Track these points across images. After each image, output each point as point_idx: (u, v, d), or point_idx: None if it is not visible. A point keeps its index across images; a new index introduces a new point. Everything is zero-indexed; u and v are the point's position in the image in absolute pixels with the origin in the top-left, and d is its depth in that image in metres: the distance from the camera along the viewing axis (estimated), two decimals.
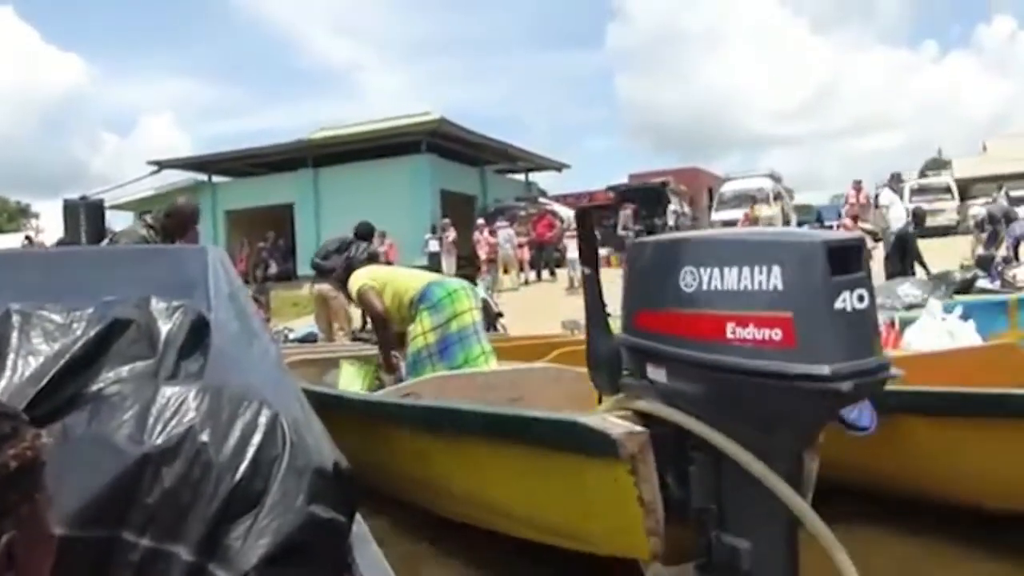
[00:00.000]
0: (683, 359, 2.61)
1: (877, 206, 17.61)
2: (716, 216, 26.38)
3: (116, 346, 1.77)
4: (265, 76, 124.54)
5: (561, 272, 21.50)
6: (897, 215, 16.08)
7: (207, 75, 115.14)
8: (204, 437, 1.55)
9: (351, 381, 5.69)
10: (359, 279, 5.72)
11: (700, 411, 2.62)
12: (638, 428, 2.80)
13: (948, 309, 6.39)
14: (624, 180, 34.50)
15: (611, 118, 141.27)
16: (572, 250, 20.79)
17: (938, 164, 43.77)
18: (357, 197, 30.45)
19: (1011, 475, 3.40)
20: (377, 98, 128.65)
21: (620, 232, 23.55)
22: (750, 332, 2.44)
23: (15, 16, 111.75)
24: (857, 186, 22.05)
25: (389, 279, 5.67)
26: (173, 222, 6.44)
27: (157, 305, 1.86)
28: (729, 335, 2.47)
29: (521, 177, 39.40)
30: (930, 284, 9.30)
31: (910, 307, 7.29)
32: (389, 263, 23.44)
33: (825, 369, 2.28)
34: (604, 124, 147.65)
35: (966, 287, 10.61)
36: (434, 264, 25.91)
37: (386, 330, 5.67)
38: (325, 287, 10.40)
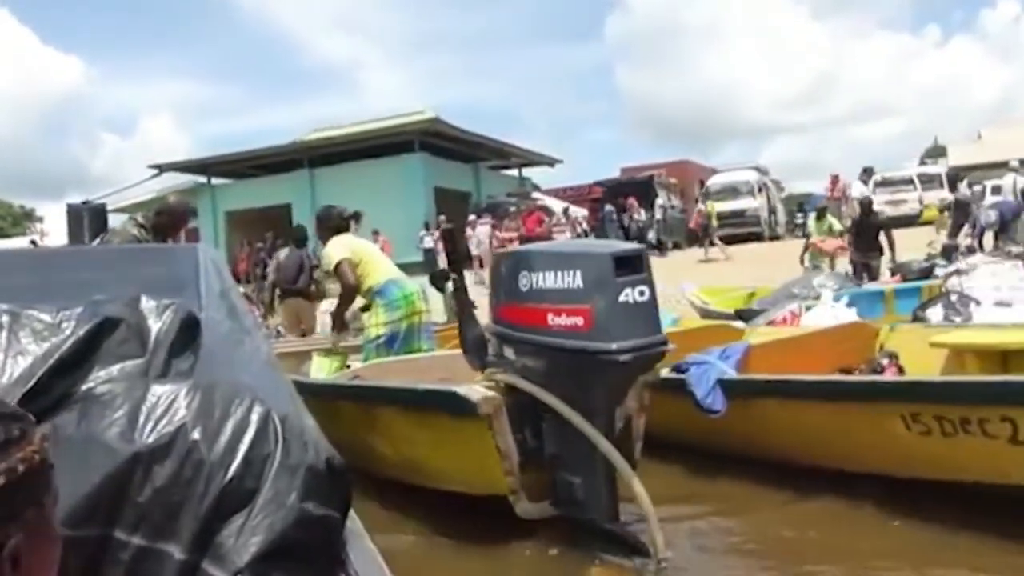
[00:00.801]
0: (524, 341, 3.71)
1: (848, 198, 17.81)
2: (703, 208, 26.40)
3: (106, 345, 1.71)
4: (265, 75, 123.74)
5: None
6: None
7: (206, 75, 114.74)
8: (195, 435, 1.50)
9: (320, 369, 6.12)
10: (339, 251, 6.01)
11: (541, 380, 3.65)
12: (492, 394, 3.64)
13: (837, 298, 7.53)
14: (616, 174, 34.66)
15: (611, 111, 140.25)
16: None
17: (937, 152, 43.67)
18: (352, 196, 30.28)
19: (848, 443, 4.13)
20: (377, 95, 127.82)
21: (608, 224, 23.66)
22: (563, 320, 3.49)
23: (12, 18, 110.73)
24: (834, 179, 22.43)
25: (363, 257, 6.04)
26: (164, 221, 6.27)
27: (147, 304, 1.80)
28: (550, 322, 3.54)
29: (515, 173, 39.31)
30: (841, 277, 10.15)
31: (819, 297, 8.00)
32: None
33: (613, 346, 3.34)
34: (605, 117, 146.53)
35: (925, 275, 10.95)
36: (429, 259, 25.92)
37: (351, 301, 6.22)
38: (300, 304, 11.39)
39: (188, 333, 1.79)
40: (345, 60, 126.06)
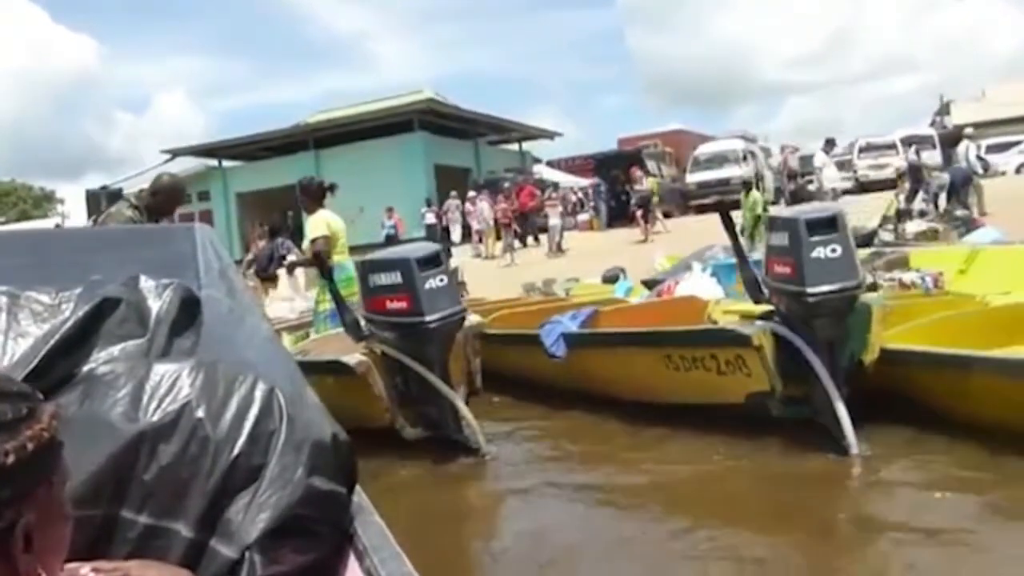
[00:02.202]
0: (378, 321, 5.05)
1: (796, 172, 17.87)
2: (691, 178, 26.20)
3: (106, 325, 1.63)
4: (275, 48, 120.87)
5: (544, 239, 21.45)
6: (830, 175, 16.41)
7: (217, 50, 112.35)
8: (200, 413, 1.44)
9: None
10: (320, 228, 6.52)
11: (395, 345, 5.00)
12: (364, 358, 4.89)
13: (703, 270, 8.60)
14: (613, 146, 34.48)
15: (625, 75, 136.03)
16: (553, 217, 20.83)
17: (944, 111, 43.03)
18: (356, 176, 30.26)
19: (640, 382, 5.31)
20: (388, 66, 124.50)
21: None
22: (395, 305, 4.88)
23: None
24: (792, 150, 22.60)
25: (333, 234, 6.53)
26: (160, 200, 5.75)
27: (146, 283, 1.72)
28: (388, 307, 4.92)
29: (515, 147, 38.88)
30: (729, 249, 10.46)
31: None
32: (395, 236, 23.49)
33: (426, 318, 4.75)
34: (616, 82, 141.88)
35: (867, 241, 10.88)
36: (431, 235, 25.82)
37: (311, 265, 6.93)
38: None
39: (189, 312, 1.70)
40: (354, 31, 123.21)
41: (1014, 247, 8.61)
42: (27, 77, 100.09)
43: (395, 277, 4.86)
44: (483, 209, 22.32)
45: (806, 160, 22.25)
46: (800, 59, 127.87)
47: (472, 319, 5.60)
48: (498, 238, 22.11)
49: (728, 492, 4.01)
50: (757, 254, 9.77)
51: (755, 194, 15.65)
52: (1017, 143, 27.64)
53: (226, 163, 35.61)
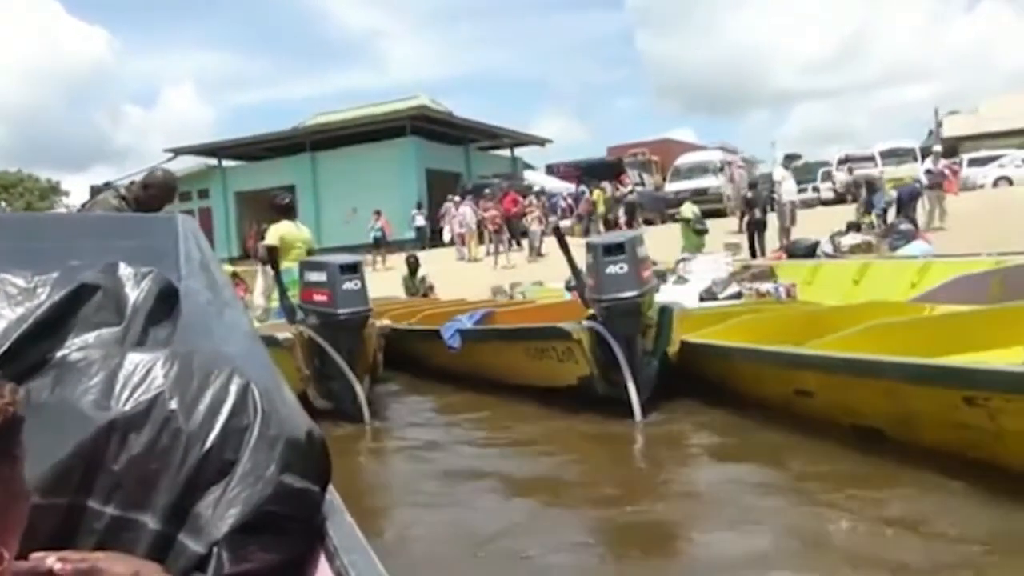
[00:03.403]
0: (308, 310, 6.20)
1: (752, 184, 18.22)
2: (670, 187, 26.26)
3: (82, 312, 1.54)
4: (286, 45, 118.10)
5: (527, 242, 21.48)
6: (788, 188, 16.65)
7: (228, 45, 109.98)
8: (173, 404, 1.35)
9: None
10: (273, 238, 7.49)
11: (319, 330, 6.08)
12: (291, 336, 6.03)
13: None
14: (603, 153, 34.66)
15: (636, 78, 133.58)
16: (533, 223, 21.01)
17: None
18: (350, 179, 30.28)
19: (511, 368, 6.43)
20: (399, 65, 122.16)
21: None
22: (319, 298, 6.02)
23: None
24: (740, 163, 22.79)
25: (286, 245, 7.40)
26: (151, 194, 5.53)
27: (125, 271, 1.63)
28: (315, 299, 6.08)
29: (506, 153, 38.72)
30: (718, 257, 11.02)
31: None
32: (382, 238, 23.43)
33: (339, 311, 5.90)
34: (630, 85, 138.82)
35: (810, 252, 11.69)
36: (420, 236, 25.76)
37: (272, 264, 7.44)
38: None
39: (166, 302, 1.61)
40: (367, 30, 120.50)
41: (847, 262, 9.79)
42: (40, 70, 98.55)
43: (322, 276, 6.04)
44: (466, 213, 22.37)
45: (764, 176, 22.21)
46: (812, 65, 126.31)
47: (380, 322, 6.86)
48: (480, 241, 22.04)
49: (552, 445, 5.17)
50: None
51: (688, 206, 16.16)
52: (997, 158, 27.54)
53: (226, 162, 35.38)
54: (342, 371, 5.95)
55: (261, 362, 1.63)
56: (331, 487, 1.48)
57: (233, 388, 1.39)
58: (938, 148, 19.16)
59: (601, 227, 22.40)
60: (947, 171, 16.71)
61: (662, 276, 9.31)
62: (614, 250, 5.29)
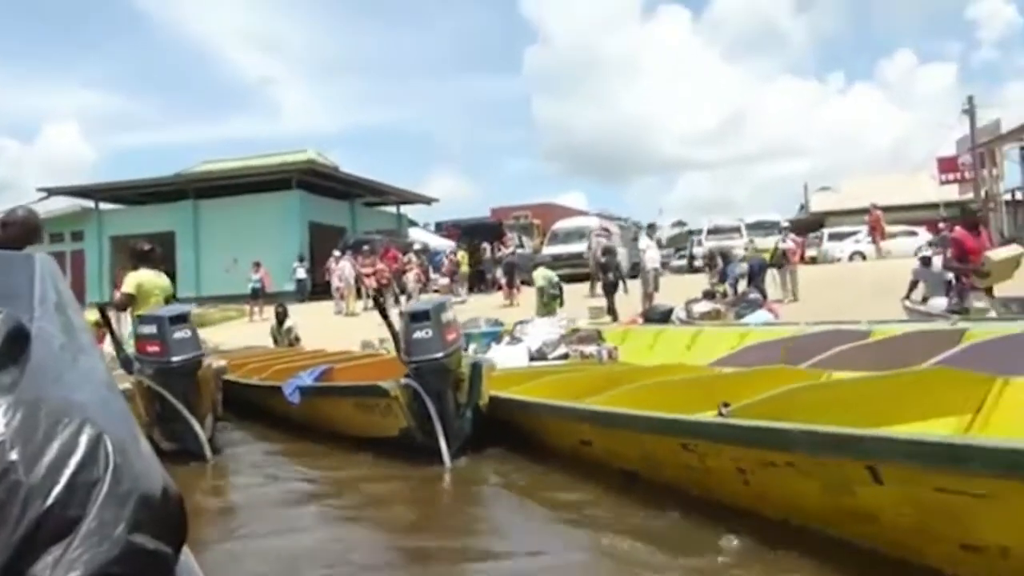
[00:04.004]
0: (143, 360, 6.49)
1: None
2: (547, 250, 26.71)
3: None
4: (175, 89, 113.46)
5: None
6: (652, 256, 17.65)
7: (114, 85, 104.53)
8: (13, 456, 1.29)
9: None
10: (130, 283, 7.42)
11: (155, 379, 6.42)
12: (129, 386, 6.24)
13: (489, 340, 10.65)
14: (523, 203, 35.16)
15: (528, 141, 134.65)
16: (412, 280, 21.47)
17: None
18: (233, 229, 29.75)
19: (345, 421, 6.82)
20: (290, 115, 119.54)
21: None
22: (153, 348, 6.36)
23: None
24: (599, 232, 23.90)
25: (141, 294, 7.33)
26: (11, 233, 5.03)
27: None
28: (149, 351, 6.39)
29: (392, 209, 39.00)
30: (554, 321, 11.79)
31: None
32: (261, 289, 22.98)
33: (172, 359, 6.29)
34: (521, 147, 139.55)
35: (665, 317, 12.38)
36: (301, 289, 25.43)
37: (118, 310, 7.64)
38: None
39: (14, 345, 1.57)
40: (258, 77, 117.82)
41: (683, 329, 10.47)
42: None
43: (153, 328, 6.40)
44: (344, 268, 22.39)
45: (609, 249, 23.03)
46: (697, 137, 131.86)
47: (217, 363, 7.18)
48: (359, 296, 22.00)
49: (373, 484, 5.74)
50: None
51: (542, 271, 16.66)
52: (853, 233, 29.28)
53: (104, 205, 34.20)
54: (181, 414, 6.37)
55: (117, 412, 1.58)
56: (186, 548, 1.46)
57: (83, 440, 1.25)
58: (785, 224, 20.32)
59: (464, 287, 22.80)
60: (792, 244, 17.69)
61: (498, 337, 10.28)
62: (420, 317, 5.96)
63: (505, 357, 8.99)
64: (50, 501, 1.14)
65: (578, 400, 5.55)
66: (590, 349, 9.22)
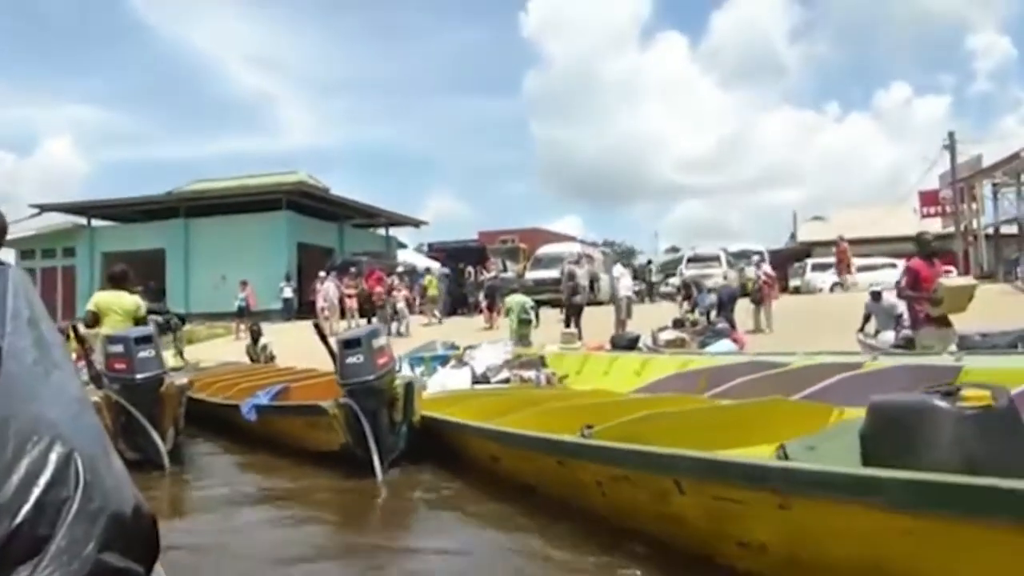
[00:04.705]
0: (110, 376, 7.11)
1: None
2: (530, 275, 27.23)
3: None
4: (174, 103, 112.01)
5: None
6: (625, 284, 18.36)
7: (113, 99, 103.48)
8: None
9: None
10: (92, 303, 8.20)
11: (123, 395, 7.01)
12: (98, 400, 6.77)
13: (407, 359, 11.29)
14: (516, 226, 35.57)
15: (526, 163, 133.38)
16: (400, 302, 21.84)
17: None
18: (222, 247, 30.34)
19: (297, 436, 7.51)
20: (288, 132, 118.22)
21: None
22: (120, 366, 7.02)
23: None
24: (572, 260, 24.56)
25: (103, 311, 7.99)
26: None
27: None
28: (116, 367, 7.06)
29: (381, 231, 39.68)
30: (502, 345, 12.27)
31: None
32: (246, 308, 23.55)
33: (137, 377, 6.95)
34: (519, 169, 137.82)
35: (632, 344, 12.81)
36: (287, 308, 26.00)
37: (87, 327, 8.10)
38: None
39: None
40: (258, 95, 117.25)
41: (632, 356, 10.93)
42: None
43: (120, 348, 7.06)
44: (328, 289, 22.90)
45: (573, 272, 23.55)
46: (694, 163, 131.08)
47: (180, 381, 7.70)
48: (342, 317, 22.53)
49: (316, 492, 6.45)
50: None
51: (516, 296, 17.42)
52: (832, 265, 29.57)
53: (96, 222, 34.78)
54: (143, 427, 6.99)
55: (89, 428, 1.51)
56: (158, 567, 1.40)
57: (53, 458, 1.28)
58: (756, 256, 20.88)
59: (436, 311, 23.40)
60: (765, 277, 18.05)
61: (446, 360, 10.99)
62: (352, 344, 6.62)
63: (449, 380, 9.69)
64: (19, 519, 1.20)
65: (492, 421, 6.09)
66: (529, 374, 9.83)
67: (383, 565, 4.50)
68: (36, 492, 1.23)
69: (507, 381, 9.75)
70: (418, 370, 10.48)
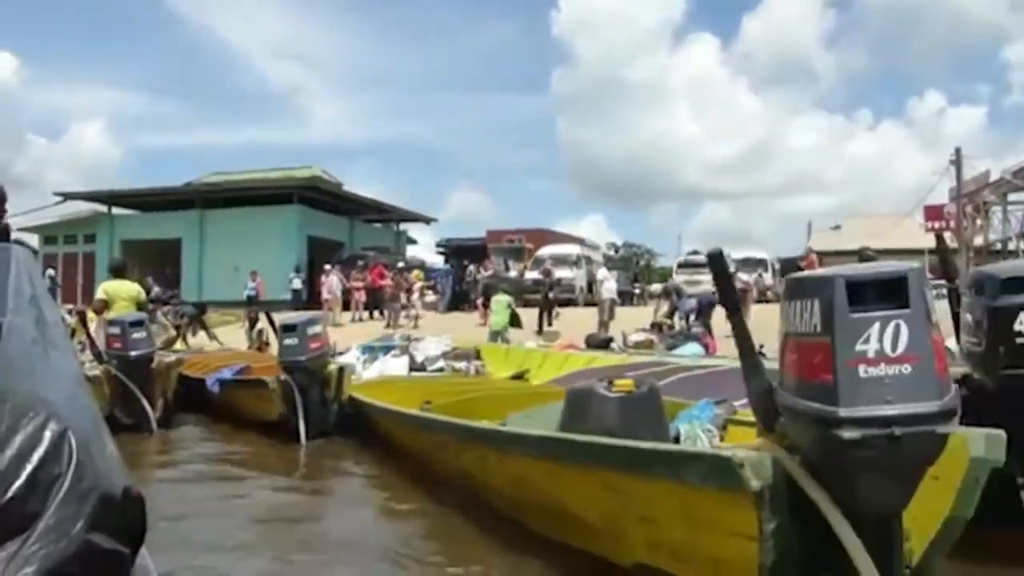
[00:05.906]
0: (109, 353, 8.57)
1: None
2: (529, 275, 28.00)
3: None
4: (205, 93, 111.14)
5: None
6: (609, 287, 19.70)
7: (144, 86, 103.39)
8: None
9: None
10: (100, 291, 9.91)
11: (118, 368, 8.40)
12: (99, 373, 8.28)
13: (358, 348, 12.52)
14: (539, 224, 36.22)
15: (552, 162, 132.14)
16: (402, 296, 22.70)
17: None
18: (235, 238, 31.52)
19: (251, 407, 8.67)
20: (316, 124, 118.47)
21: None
22: (116, 345, 8.48)
23: None
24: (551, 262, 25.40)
25: (110, 299, 9.55)
26: None
27: None
28: (114, 346, 8.53)
29: (392, 226, 40.77)
30: (446, 338, 13.34)
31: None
32: (255, 297, 24.71)
33: (130, 354, 8.36)
34: (544, 167, 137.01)
35: (604, 344, 13.76)
36: (296, 299, 27.13)
37: (96, 314, 9.56)
38: None
39: None
40: (287, 85, 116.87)
41: (582, 354, 11.81)
42: None
43: (117, 330, 8.40)
44: (333, 282, 23.75)
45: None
46: (721, 167, 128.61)
47: (168, 359, 9.21)
48: (346, 308, 23.50)
49: (249, 451, 7.83)
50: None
51: (501, 296, 18.68)
52: None
53: (117, 210, 36.02)
54: (135, 395, 8.22)
55: (84, 408, 1.49)
56: (144, 551, 1.41)
57: (47, 435, 1.25)
58: (732, 266, 21.81)
59: (418, 303, 24.23)
60: (742, 284, 19.01)
61: (387, 350, 12.13)
62: (289, 329, 7.86)
63: (387, 366, 10.92)
64: (9, 495, 1.19)
65: (401, 402, 6.92)
66: (461, 364, 11.07)
67: (282, 505, 5.70)
68: (29, 468, 1.21)
69: (441, 370, 10.95)
70: (367, 357, 11.76)
